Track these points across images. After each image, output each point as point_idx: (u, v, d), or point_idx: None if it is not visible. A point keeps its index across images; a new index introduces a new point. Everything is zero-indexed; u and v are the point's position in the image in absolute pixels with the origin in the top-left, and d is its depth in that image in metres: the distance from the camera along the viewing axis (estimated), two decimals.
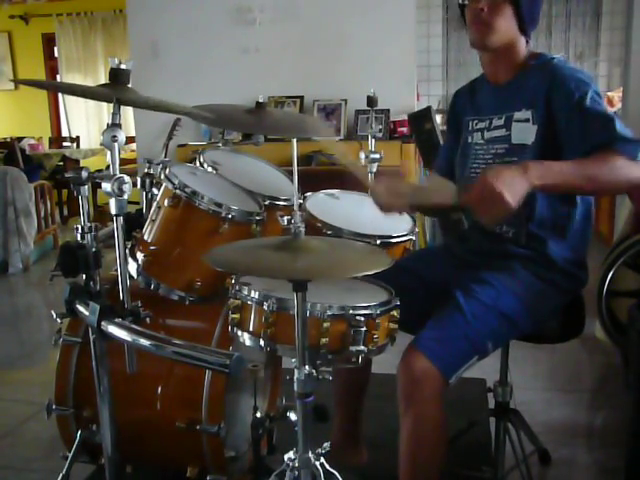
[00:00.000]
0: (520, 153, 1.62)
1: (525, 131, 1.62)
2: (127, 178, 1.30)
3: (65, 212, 6.92)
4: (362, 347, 1.38)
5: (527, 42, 1.67)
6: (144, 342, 1.24)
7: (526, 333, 1.68)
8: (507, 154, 1.66)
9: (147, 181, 1.95)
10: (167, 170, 1.74)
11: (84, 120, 8.15)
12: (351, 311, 1.38)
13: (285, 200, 1.93)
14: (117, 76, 1.32)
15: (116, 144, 1.29)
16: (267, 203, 1.87)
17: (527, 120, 1.62)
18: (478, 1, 1.59)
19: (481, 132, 1.73)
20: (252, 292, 1.44)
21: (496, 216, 1.40)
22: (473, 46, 1.66)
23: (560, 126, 1.56)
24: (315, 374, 1.32)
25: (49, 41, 8.24)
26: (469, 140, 1.77)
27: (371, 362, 1.93)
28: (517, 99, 1.65)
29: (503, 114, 1.68)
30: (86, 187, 1.38)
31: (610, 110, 1.55)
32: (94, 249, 1.37)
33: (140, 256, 1.73)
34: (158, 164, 1.89)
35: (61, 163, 6.85)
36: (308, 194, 2.03)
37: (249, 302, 1.44)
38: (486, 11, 1.58)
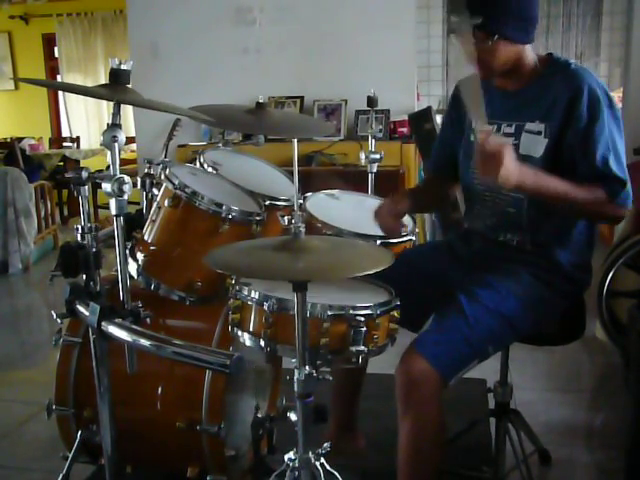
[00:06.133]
0: (526, 164, 1.60)
1: (535, 143, 1.62)
2: (127, 178, 1.30)
3: (65, 212, 6.92)
4: (362, 347, 1.38)
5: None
6: (144, 342, 1.24)
7: (527, 336, 1.68)
8: None
9: (147, 181, 1.94)
10: (167, 170, 1.74)
11: (84, 120, 8.15)
12: (351, 311, 1.38)
13: (285, 200, 1.93)
14: (117, 76, 1.33)
15: (116, 144, 1.30)
16: (267, 203, 1.87)
17: (539, 133, 1.62)
18: (468, 43, 1.58)
19: None
20: (252, 292, 1.44)
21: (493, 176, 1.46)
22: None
23: (568, 142, 1.58)
24: (315, 374, 1.32)
25: (49, 41, 8.23)
26: (472, 138, 1.75)
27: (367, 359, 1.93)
28: (531, 109, 1.64)
29: (513, 122, 1.66)
30: (86, 187, 1.39)
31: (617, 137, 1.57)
32: (94, 249, 1.37)
33: (140, 256, 1.73)
34: (158, 164, 1.89)
35: (61, 163, 6.85)
36: (308, 194, 2.03)
37: (249, 302, 1.44)
38: (479, 54, 1.58)
